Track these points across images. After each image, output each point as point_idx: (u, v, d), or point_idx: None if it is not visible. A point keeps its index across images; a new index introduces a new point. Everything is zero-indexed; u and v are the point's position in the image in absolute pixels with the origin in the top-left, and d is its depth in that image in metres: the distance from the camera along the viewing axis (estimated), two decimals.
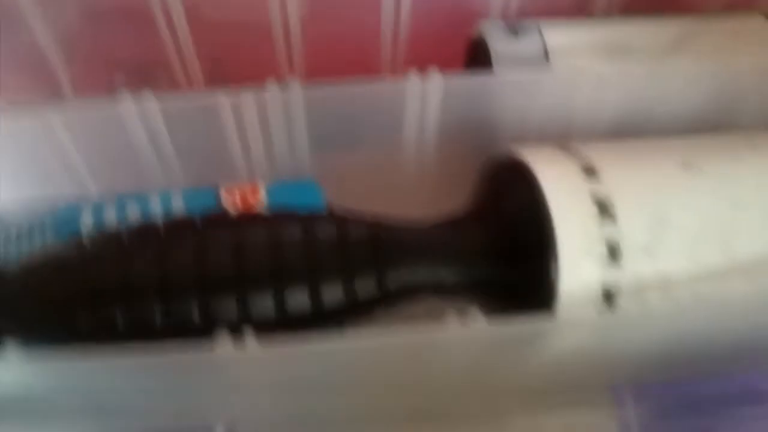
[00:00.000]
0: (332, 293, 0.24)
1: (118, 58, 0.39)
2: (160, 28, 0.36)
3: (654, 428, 0.32)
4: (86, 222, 0.27)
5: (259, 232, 0.25)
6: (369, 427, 0.31)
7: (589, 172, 0.25)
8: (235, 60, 0.39)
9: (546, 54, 0.33)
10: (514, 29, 0.34)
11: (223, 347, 0.22)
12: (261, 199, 0.28)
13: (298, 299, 0.24)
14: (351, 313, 0.25)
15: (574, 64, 0.32)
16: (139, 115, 0.28)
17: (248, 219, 0.26)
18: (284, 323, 0.24)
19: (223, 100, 0.28)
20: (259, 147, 0.30)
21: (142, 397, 0.26)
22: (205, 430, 0.32)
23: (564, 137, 0.29)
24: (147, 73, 0.39)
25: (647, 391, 0.32)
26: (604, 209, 0.25)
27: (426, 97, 0.29)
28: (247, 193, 0.29)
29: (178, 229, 0.24)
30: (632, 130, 0.30)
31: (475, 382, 0.27)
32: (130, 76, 0.40)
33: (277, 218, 0.26)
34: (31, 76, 0.39)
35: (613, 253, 0.24)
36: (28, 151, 0.28)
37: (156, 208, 0.28)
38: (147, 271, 0.23)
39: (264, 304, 0.24)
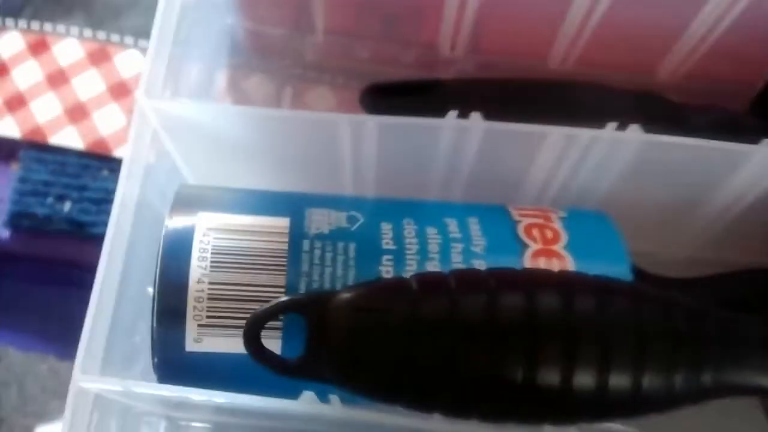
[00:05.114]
0: (651, 382, 0.23)
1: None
2: None
3: None
4: (386, 236, 0.26)
5: (586, 301, 0.23)
6: None
7: None
8: None
9: None
10: None
11: None
12: (559, 233, 0.27)
13: (616, 384, 0.23)
14: (663, 403, 0.24)
15: None
16: (457, 130, 0.26)
17: (569, 282, 0.24)
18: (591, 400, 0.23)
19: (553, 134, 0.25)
20: (559, 176, 0.28)
21: None
22: None
23: None
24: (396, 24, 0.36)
25: None
26: None
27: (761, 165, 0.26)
28: (541, 223, 0.27)
29: (507, 283, 0.23)
30: None
31: None
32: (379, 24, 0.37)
33: (597, 286, 0.24)
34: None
35: None
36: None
37: (453, 229, 0.26)
38: (474, 327, 0.22)
39: (582, 380, 0.23)
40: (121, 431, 0.26)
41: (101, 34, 0.41)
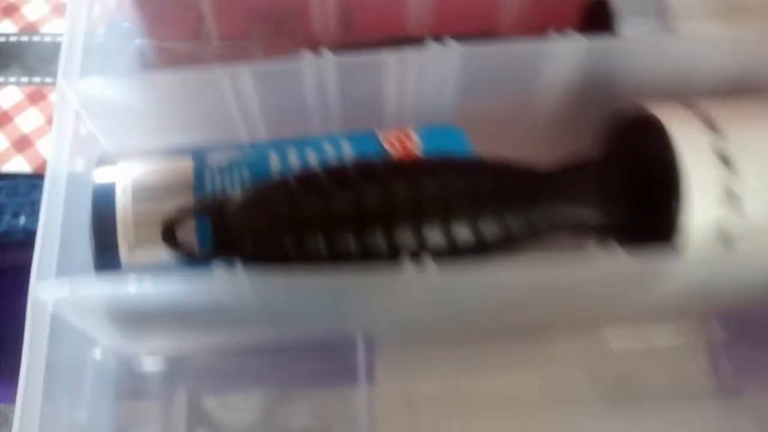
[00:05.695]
0: (489, 229, 0.29)
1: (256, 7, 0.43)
2: None
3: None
4: (274, 162, 0.32)
5: (428, 176, 0.29)
6: (486, 341, 0.37)
7: (713, 128, 0.30)
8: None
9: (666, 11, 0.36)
10: None
11: (409, 271, 0.27)
12: (417, 144, 0.33)
13: (461, 234, 0.29)
14: (505, 245, 0.30)
15: (692, 27, 0.35)
16: (316, 69, 0.32)
17: (418, 164, 0.30)
18: (447, 253, 0.29)
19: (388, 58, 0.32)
20: (411, 99, 0.34)
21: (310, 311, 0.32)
22: (347, 339, 0.37)
23: (683, 96, 0.33)
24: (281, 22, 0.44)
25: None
26: (725, 161, 0.29)
27: (562, 56, 0.33)
28: (402, 138, 0.33)
29: (367, 171, 0.29)
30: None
31: (600, 304, 0.32)
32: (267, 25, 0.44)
33: (441, 164, 0.30)
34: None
35: (732, 198, 0.29)
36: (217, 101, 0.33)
37: (329, 151, 0.33)
38: (344, 207, 0.28)
39: (434, 236, 0.29)
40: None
41: (36, 79, 0.48)
